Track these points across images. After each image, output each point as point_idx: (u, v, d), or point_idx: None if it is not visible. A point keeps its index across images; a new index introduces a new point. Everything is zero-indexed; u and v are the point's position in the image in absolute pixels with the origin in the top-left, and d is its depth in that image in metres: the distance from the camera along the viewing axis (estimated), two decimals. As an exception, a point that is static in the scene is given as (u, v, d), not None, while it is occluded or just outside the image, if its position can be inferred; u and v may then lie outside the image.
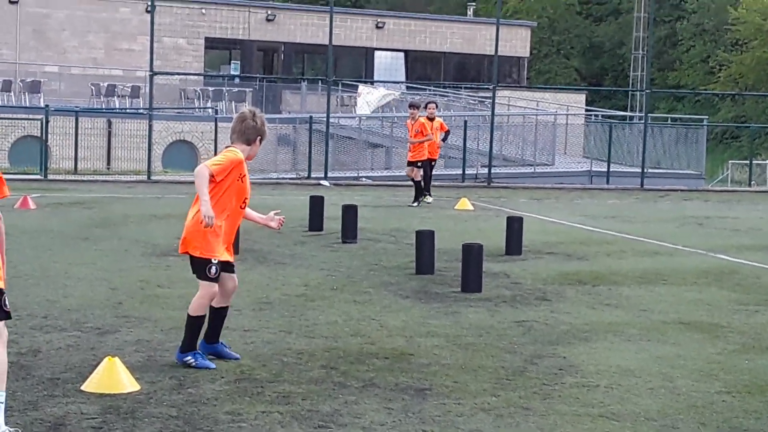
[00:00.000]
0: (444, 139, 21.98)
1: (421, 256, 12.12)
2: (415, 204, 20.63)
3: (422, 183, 20.93)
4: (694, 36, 69.63)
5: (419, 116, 20.76)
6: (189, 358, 7.35)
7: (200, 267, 7.30)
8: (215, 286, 7.34)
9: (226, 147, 7.49)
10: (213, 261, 7.26)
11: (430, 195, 21.22)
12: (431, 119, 21.16)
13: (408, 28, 51.31)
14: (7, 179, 5.90)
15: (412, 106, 21.39)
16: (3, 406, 5.54)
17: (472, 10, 62.06)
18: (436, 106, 22.17)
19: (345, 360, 7.75)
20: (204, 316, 7.42)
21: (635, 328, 9.25)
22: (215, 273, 7.29)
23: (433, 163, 21.51)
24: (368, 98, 39.42)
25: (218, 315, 7.56)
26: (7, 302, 5.51)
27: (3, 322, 5.50)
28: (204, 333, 7.55)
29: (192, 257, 7.33)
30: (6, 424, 5.77)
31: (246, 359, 7.64)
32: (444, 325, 9.17)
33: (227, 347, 7.71)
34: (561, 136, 37.26)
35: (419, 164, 20.76)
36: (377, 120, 37.68)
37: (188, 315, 7.39)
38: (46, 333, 8.37)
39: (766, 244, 15.83)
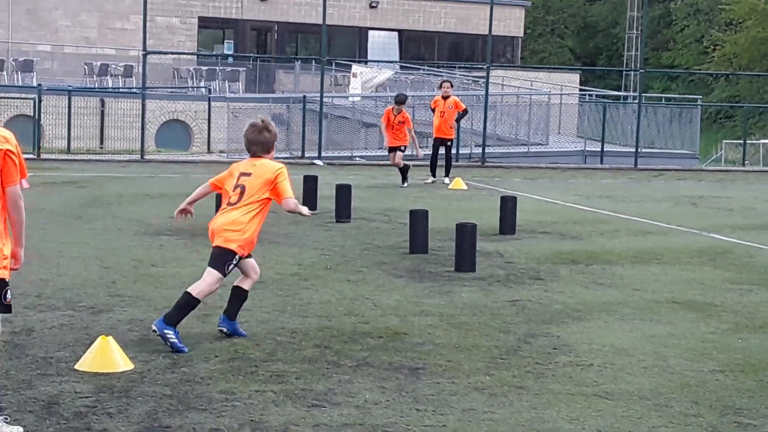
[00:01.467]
0: (459, 119, 21.73)
1: (415, 235, 12.12)
2: (405, 185, 20.45)
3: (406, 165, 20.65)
4: (688, 16, 69.51)
5: (401, 109, 20.32)
6: (171, 333, 7.25)
7: (225, 259, 7.40)
8: (223, 280, 7.49)
9: (258, 159, 7.62)
10: (237, 259, 7.43)
11: (434, 176, 21.14)
12: (446, 98, 20.97)
13: (402, 7, 51.18)
14: None
15: (398, 102, 20.37)
16: None
17: (466, -11, 61.82)
18: (451, 85, 21.88)
19: (339, 339, 7.76)
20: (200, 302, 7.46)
21: (629, 308, 9.26)
22: (232, 270, 7.46)
23: (449, 143, 21.32)
24: (364, 78, 39.30)
25: (244, 295, 7.76)
26: (8, 295, 5.41)
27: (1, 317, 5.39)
28: (227, 310, 7.73)
29: (223, 248, 7.40)
30: (-1, 403, 5.76)
31: (240, 338, 7.66)
32: (438, 305, 9.17)
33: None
34: (555, 116, 37.17)
35: (402, 148, 20.44)
36: (371, 100, 37.60)
37: (191, 296, 7.31)
38: (40, 312, 8.36)
39: (760, 224, 15.86)
